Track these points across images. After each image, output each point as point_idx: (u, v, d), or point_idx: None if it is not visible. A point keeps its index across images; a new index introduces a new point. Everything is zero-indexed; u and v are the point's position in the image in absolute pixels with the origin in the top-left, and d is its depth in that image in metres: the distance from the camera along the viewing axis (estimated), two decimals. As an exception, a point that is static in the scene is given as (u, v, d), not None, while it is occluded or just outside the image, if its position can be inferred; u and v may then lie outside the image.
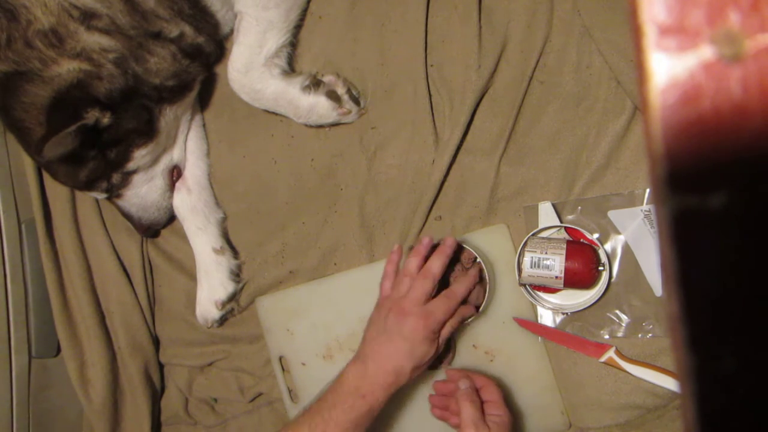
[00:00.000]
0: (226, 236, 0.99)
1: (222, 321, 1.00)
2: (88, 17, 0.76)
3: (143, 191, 0.92)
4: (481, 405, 0.76)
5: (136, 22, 0.78)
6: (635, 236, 0.80)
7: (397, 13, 0.88)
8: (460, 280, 0.79)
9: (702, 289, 0.21)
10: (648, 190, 0.79)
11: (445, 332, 0.78)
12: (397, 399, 0.90)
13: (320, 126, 0.91)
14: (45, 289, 0.98)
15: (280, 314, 0.98)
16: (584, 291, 0.81)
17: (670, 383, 0.77)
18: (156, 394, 1.06)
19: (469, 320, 0.83)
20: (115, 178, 0.87)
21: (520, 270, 0.80)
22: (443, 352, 0.87)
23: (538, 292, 0.84)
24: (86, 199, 0.99)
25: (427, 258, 0.80)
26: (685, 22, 0.20)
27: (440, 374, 0.89)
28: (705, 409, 0.21)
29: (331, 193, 0.94)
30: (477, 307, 0.84)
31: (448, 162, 0.86)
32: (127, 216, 0.94)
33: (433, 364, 0.87)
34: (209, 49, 0.89)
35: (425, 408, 0.89)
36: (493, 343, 0.87)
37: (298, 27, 0.90)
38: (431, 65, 0.87)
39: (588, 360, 0.82)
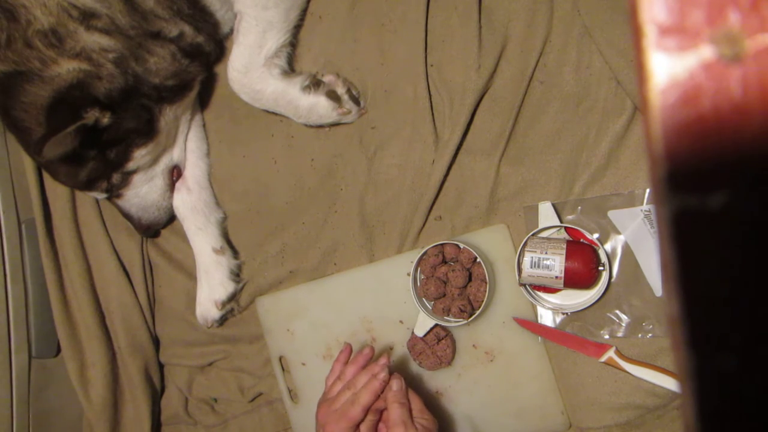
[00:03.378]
0: (226, 236, 0.99)
1: (222, 321, 1.00)
2: (87, 17, 0.76)
3: (143, 191, 0.92)
4: (409, 407, 0.76)
5: (136, 22, 0.78)
6: (635, 236, 0.80)
7: (397, 13, 0.88)
8: (366, 387, 0.76)
9: (702, 289, 0.21)
10: (648, 190, 0.79)
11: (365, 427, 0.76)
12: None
13: (320, 126, 0.91)
14: (45, 289, 0.98)
15: (280, 314, 0.98)
16: (584, 291, 0.81)
17: (670, 383, 0.77)
18: (156, 394, 1.06)
19: (469, 321, 0.83)
20: (115, 178, 0.87)
21: (520, 270, 0.80)
22: (443, 352, 0.87)
23: (538, 292, 0.84)
24: (86, 199, 0.99)
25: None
26: (685, 22, 0.20)
27: (441, 375, 0.89)
28: (705, 409, 0.21)
29: (331, 193, 0.94)
30: (477, 307, 0.84)
31: (448, 162, 0.86)
32: (127, 216, 0.94)
33: (433, 365, 0.88)
34: (209, 49, 0.89)
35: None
36: (493, 343, 0.87)
37: (298, 27, 0.90)
38: (431, 65, 0.87)
39: (588, 360, 0.82)
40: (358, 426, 0.75)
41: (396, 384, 0.76)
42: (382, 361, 0.78)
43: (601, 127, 0.81)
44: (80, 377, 1.00)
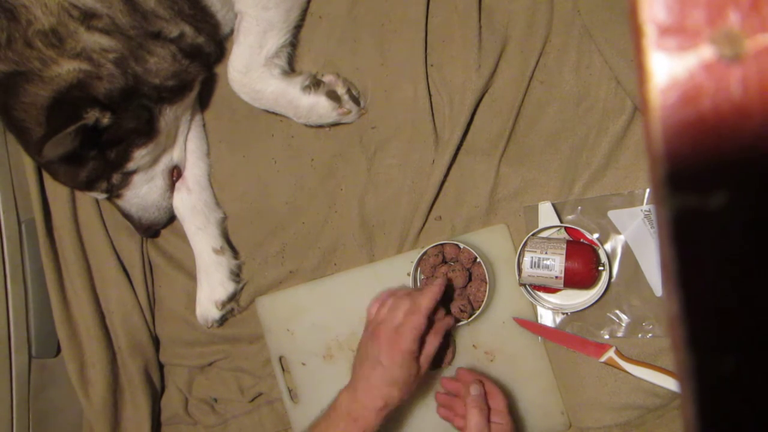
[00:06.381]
0: (226, 236, 0.99)
1: (222, 321, 1.00)
2: (88, 17, 0.76)
3: (143, 191, 0.92)
4: (488, 412, 0.76)
5: (136, 22, 0.78)
6: (635, 236, 0.80)
7: (397, 13, 0.88)
8: (423, 292, 0.77)
9: (702, 289, 0.21)
10: (648, 190, 0.79)
11: (429, 348, 0.77)
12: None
13: (320, 126, 0.91)
14: (45, 289, 0.98)
15: (280, 314, 0.98)
16: (584, 291, 0.81)
17: (670, 383, 0.77)
18: (156, 394, 1.06)
19: (469, 321, 0.83)
20: (115, 178, 0.87)
21: (520, 270, 0.80)
22: (443, 352, 0.87)
23: (538, 292, 0.84)
24: (86, 199, 0.99)
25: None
26: (685, 22, 0.20)
27: (440, 374, 0.89)
28: (705, 409, 0.21)
29: (331, 193, 0.94)
30: (477, 307, 0.84)
31: (448, 162, 0.86)
32: (127, 216, 0.94)
33: (433, 365, 0.87)
34: (209, 50, 0.89)
35: (426, 409, 0.89)
36: (493, 343, 0.87)
37: (298, 27, 0.90)
38: (431, 65, 0.87)
39: (588, 360, 0.82)
40: (423, 337, 0.75)
41: (475, 389, 0.77)
42: (438, 281, 0.78)
43: (601, 127, 0.81)
44: (80, 377, 0.99)
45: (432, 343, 0.77)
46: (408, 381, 0.74)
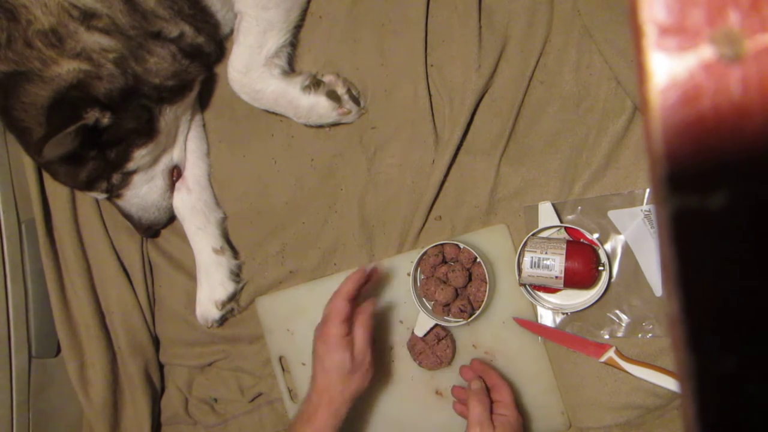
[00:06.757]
0: (226, 236, 0.99)
1: (222, 321, 1.00)
2: (88, 17, 0.76)
3: (143, 191, 0.92)
4: (490, 405, 0.77)
5: (136, 22, 0.78)
6: (635, 236, 0.80)
7: (397, 13, 0.88)
8: (346, 278, 0.80)
9: (702, 289, 0.21)
10: (648, 190, 0.79)
11: (359, 334, 0.78)
12: (394, 399, 0.90)
13: (320, 126, 0.91)
14: (45, 289, 0.98)
15: (280, 314, 0.98)
16: (584, 291, 0.81)
17: (670, 383, 0.77)
18: (156, 394, 1.06)
19: (469, 321, 0.83)
20: (115, 178, 0.87)
21: (520, 270, 0.80)
22: (443, 352, 0.87)
23: (538, 292, 0.84)
24: (86, 199, 0.99)
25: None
26: (685, 22, 0.20)
27: (442, 375, 0.89)
28: (705, 409, 0.21)
29: (331, 193, 0.94)
30: (477, 307, 0.84)
31: (448, 162, 0.86)
32: (127, 216, 0.94)
33: (433, 365, 0.87)
34: (209, 50, 0.89)
35: (424, 409, 0.89)
36: (493, 343, 0.87)
37: (298, 27, 0.90)
38: (431, 65, 0.87)
39: (588, 360, 0.82)
40: (348, 321, 0.77)
41: (475, 384, 0.79)
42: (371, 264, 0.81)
43: (601, 127, 0.81)
44: (80, 377, 0.99)
45: (358, 328, 0.78)
46: (343, 368, 0.76)
